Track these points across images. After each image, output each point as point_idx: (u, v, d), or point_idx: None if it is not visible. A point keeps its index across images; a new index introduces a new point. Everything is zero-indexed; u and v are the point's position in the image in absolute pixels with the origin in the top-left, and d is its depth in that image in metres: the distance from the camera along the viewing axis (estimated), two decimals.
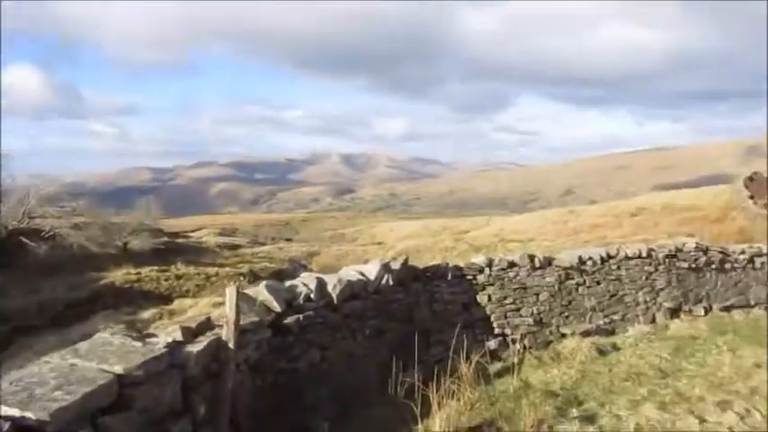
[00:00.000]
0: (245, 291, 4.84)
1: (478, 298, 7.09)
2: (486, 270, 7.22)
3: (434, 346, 6.10)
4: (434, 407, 3.81)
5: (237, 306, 3.88)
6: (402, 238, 51.89)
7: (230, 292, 3.91)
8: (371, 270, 6.14)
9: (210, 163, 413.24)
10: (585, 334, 7.33)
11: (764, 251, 10.58)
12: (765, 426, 4.11)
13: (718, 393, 4.74)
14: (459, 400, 4.33)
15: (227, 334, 3.80)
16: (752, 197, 35.47)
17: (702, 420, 4.13)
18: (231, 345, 3.77)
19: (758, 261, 10.20)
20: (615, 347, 6.79)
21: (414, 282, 6.66)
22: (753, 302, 9.88)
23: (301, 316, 4.97)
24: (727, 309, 9.29)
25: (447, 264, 7.20)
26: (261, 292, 4.90)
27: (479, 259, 7.34)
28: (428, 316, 6.50)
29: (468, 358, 4.95)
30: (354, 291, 5.77)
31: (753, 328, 8.11)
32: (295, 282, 5.47)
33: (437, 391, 4.07)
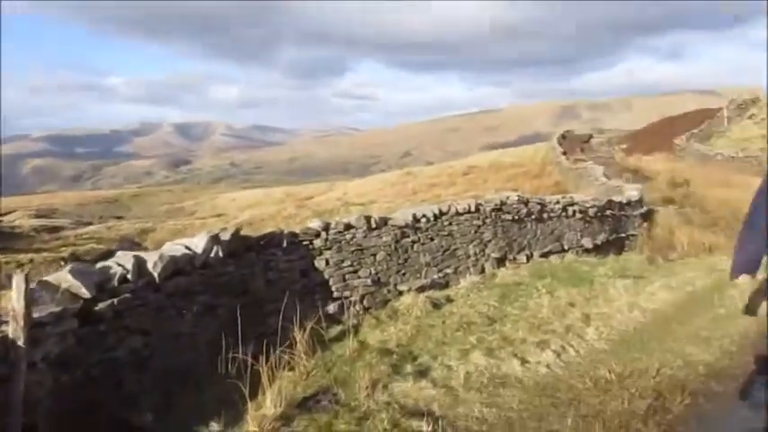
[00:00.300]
0: (46, 278, 4.23)
1: (316, 263, 6.95)
2: (323, 234, 7.08)
3: (271, 316, 5.84)
4: (265, 381, 3.60)
5: (27, 296, 3.32)
6: (244, 208, 50.51)
7: (18, 281, 3.34)
8: (198, 243, 5.69)
9: (21, 137, 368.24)
10: (421, 289, 7.54)
11: (576, 200, 11.68)
12: (578, 360, 4.47)
13: (538, 334, 5.09)
14: (293, 370, 4.17)
15: (14, 330, 3.24)
16: (565, 153, 39.29)
17: (524, 361, 4.38)
18: (21, 342, 3.23)
19: (570, 210, 11.22)
20: (449, 300, 7.03)
21: (247, 252, 6.31)
22: (567, 247, 10.89)
23: (116, 300, 4.43)
24: (546, 255, 10.14)
25: (282, 230, 6.94)
26: (64, 277, 4.28)
27: (315, 224, 7.17)
28: (263, 286, 6.23)
29: (307, 325, 4.80)
30: (179, 267, 5.31)
31: (567, 271, 8.89)
32: (108, 263, 4.87)
33: (270, 363, 3.87)
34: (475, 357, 4.41)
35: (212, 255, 5.80)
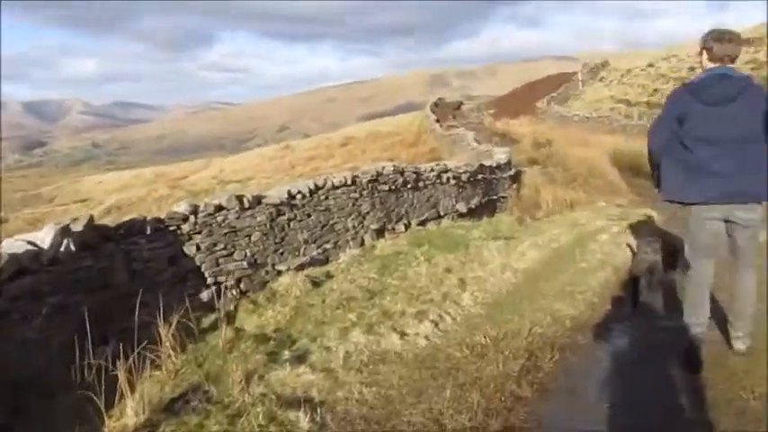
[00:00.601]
0: None
1: (186, 249, 6.50)
2: (192, 218, 6.63)
3: (136, 311, 5.41)
4: (124, 386, 3.27)
5: None
6: (111, 191, 47.15)
7: None
8: (45, 237, 5.09)
9: None
10: (301, 267, 7.35)
11: (449, 167, 11.96)
12: (456, 327, 4.53)
13: (417, 304, 5.09)
14: (160, 369, 3.85)
15: None
16: (438, 121, 40.41)
17: (404, 335, 4.34)
18: None
19: (444, 176, 11.47)
20: (329, 276, 6.90)
21: (105, 243, 5.76)
22: (443, 213, 11.15)
23: None
24: (424, 222, 10.32)
25: (145, 217, 6.41)
26: None
27: (182, 207, 6.70)
28: (126, 279, 5.73)
29: (173, 318, 4.46)
30: (23, 265, 4.72)
31: (444, 237, 9.08)
32: None
33: (133, 364, 3.54)
34: (354, 335, 4.31)
35: (63, 249, 5.23)
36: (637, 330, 4.52)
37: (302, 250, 7.79)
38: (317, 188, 8.33)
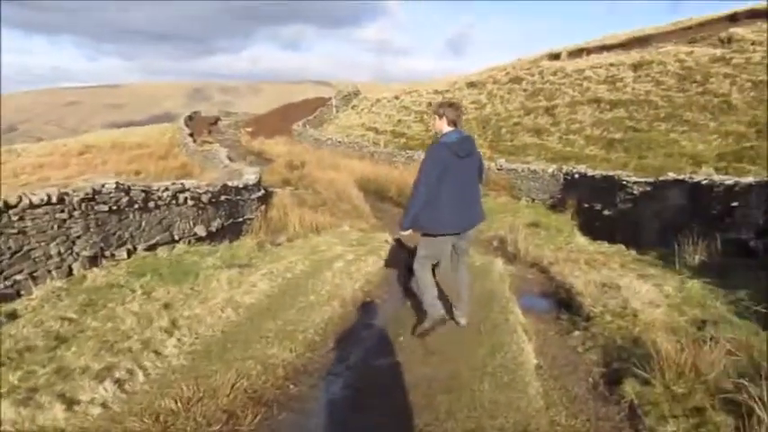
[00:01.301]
0: None
1: None
2: None
3: None
4: None
5: None
6: None
7: None
8: None
9: None
10: None
11: (187, 186, 11.00)
12: (146, 387, 3.76)
13: (106, 357, 4.15)
14: None
15: None
16: (192, 135, 38.57)
17: (73, 403, 3.44)
18: None
19: (181, 197, 10.50)
20: (13, 316, 5.60)
21: None
22: (178, 237, 10.16)
23: None
24: (153, 247, 9.23)
25: None
26: None
27: None
28: None
29: None
30: None
31: (174, 265, 8.19)
32: None
33: None
34: (3, 409, 3.31)
35: None
36: (352, 372, 4.28)
37: None
38: (8, 207, 6.82)
